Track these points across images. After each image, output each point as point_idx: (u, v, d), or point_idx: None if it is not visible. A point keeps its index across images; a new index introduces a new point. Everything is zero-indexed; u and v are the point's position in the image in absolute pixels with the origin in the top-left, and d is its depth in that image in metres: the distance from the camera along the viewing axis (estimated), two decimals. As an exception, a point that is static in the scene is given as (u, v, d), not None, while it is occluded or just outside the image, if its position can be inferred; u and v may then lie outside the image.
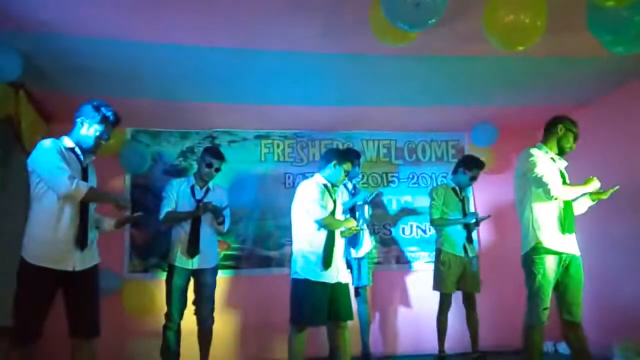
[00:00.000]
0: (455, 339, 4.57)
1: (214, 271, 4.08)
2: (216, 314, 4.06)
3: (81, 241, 2.81)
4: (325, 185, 3.57)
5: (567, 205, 3.26)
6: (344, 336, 3.48)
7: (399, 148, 5.47)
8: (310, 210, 3.44)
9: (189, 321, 4.00)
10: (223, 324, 4.40)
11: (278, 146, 5.29)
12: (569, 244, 3.24)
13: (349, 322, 3.53)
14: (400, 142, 5.47)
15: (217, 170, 4.11)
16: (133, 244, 4.87)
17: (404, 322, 5.13)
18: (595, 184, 3.23)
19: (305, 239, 3.48)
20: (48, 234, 2.74)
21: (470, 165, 4.49)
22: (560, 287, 3.24)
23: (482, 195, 5.30)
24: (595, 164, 4.32)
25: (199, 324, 4.00)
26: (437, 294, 4.43)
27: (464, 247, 4.38)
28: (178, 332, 3.94)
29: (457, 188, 4.52)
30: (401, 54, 3.49)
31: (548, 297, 3.19)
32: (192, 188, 4.08)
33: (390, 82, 4.11)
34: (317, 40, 3.32)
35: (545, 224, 3.22)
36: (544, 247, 3.19)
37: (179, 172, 4.99)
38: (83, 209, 2.84)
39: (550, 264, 3.18)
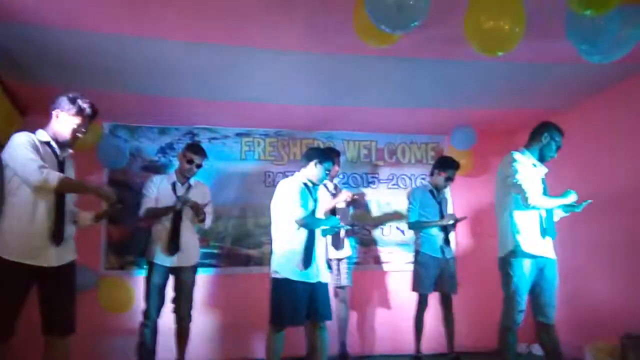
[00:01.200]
0: (432, 339, 4.62)
1: (193, 269, 4.05)
2: (194, 312, 4.04)
3: (56, 236, 2.77)
4: (305, 185, 3.57)
5: (548, 210, 3.32)
6: (322, 336, 3.49)
7: (379, 149, 5.50)
8: (289, 210, 3.43)
9: (166, 319, 3.97)
10: (201, 322, 4.37)
11: (259, 144, 5.28)
12: (546, 248, 3.30)
13: (327, 322, 3.53)
14: (381, 143, 5.50)
15: (199, 166, 4.08)
16: (110, 241, 4.80)
17: (382, 322, 5.17)
18: (572, 197, 3.29)
19: (285, 238, 3.47)
20: (22, 229, 2.69)
21: (444, 166, 4.54)
22: (536, 290, 3.29)
23: (460, 198, 5.36)
24: (571, 169, 4.42)
25: (177, 321, 3.97)
26: (414, 295, 4.47)
27: (441, 249, 4.43)
28: (155, 330, 3.90)
29: (434, 190, 4.56)
30: (384, 55, 3.50)
31: (524, 300, 3.24)
32: (174, 184, 4.05)
33: (372, 83, 4.13)
34: (301, 40, 3.32)
35: (525, 228, 3.27)
36: (522, 251, 3.24)
37: (158, 169, 4.94)
38: (59, 202, 2.79)
39: (526, 268, 3.24)
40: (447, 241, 4.47)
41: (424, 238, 4.47)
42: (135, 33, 3.23)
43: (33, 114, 4.50)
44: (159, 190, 4.02)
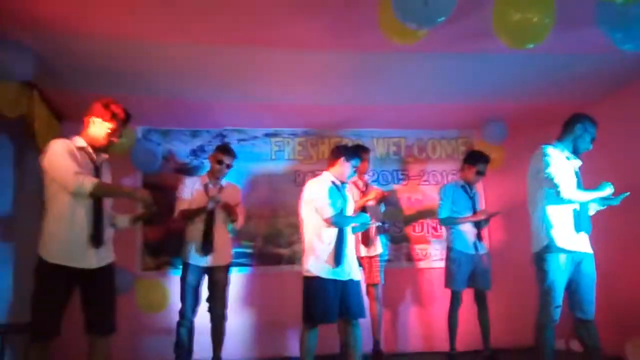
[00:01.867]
0: (467, 336, 4.57)
1: (227, 269, 4.11)
2: (228, 311, 4.09)
3: (96, 239, 2.85)
4: (333, 183, 3.58)
5: (583, 204, 3.24)
6: (355, 334, 3.49)
7: (408, 145, 5.47)
8: (319, 209, 3.45)
9: (202, 318, 4.04)
10: (235, 321, 4.43)
11: (288, 144, 5.31)
12: (582, 242, 3.23)
13: (361, 320, 3.53)
14: (410, 140, 5.47)
15: (229, 166, 4.15)
16: (145, 242, 4.91)
17: (415, 320, 5.14)
18: (608, 190, 3.21)
19: (315, 236, 3.48)
20: (63, 232, 2.79)
21: (474, 160, 4.48)
22: (572, 285, 3.23)
23: (492, 193, 5.28)
24: (608, 160, 4.30)
25: (212, 320, 4.03)
26: (447, 292, 4.43)
27: (474, 245, 4.37)
28: (191, 329, 3.98)
29: (466, 185, 4.51)
30: (410, 52, 3.48)
31: (560, 295, 3.18)
32: (206, 186, 4.12)
33: (399, 80, 4.11)
34: (326, 39, 3.33)
35: (559, 223, 3.20)
36: (556, 246, 3.18)
37: (190, 171, 5.03)
38: (97, 206, 2.88)
39: (561, 263, 3.17)
40: (479, 237, 4.41)
41: (456, 234, 4.42)
42: (165, 39, 3.30)
43: (69, 120, 4.64)
44: (192, 192, 4.10)
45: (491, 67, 3.91)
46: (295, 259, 4.97)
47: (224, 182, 4.22)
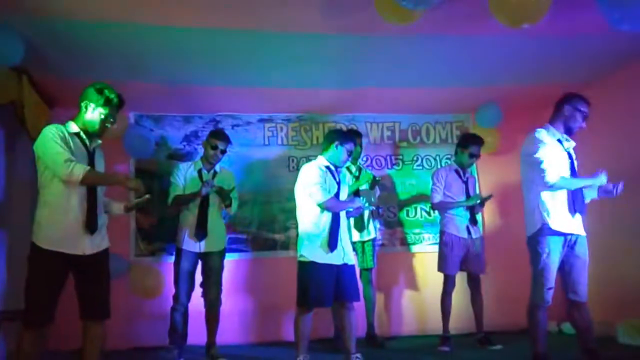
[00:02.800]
0: (461, 319, 4.61)
1: (221, 254, 4.11)
2: (223, 296, 4.10)
3: (90, 225, 2.83)
4: (328, 167, 3.57)
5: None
6: (350, 317, 3.51)
7: (402, 130, 5.45)
8: (312, 194, 3.44)
9: (196, 303, 4.05)
10: (230, 306, 4.43)
11: (281, 129, 5.29)
12: (575, 225, 3.24)
13: (356, 304, 3.55)
14: (404, 124, 5.45)
15: (223, 152, 4.14)
16: (139, 228, 4.90)
17: (409, 304, 5.17)
18: (602, 179, 3.20)
19: (310, 221, 3.48)
20: (57, 219, 2.77)
21: (466, 143, 4.46)
22: (566, 267, 3.24)
23: (487, 177, 5.29)
24: (603, 142, 4.32)
25: (207, 305, 4.04)
26: (441, 275, 4.45)
27: (467, 229, 4.39)
28: (185, 314, 3.99)
29: (459, 170, 4.50)
30: (405, 34, 3.46)
31: (553, 277, 3.20)
32: (200, 171, 4.11)
33: (393, 63, 4.09)
34: (320, 21, 3.29)
35: (552, 206, 3.21)
36: (550, 229, 3.19)
37: (183, 157, 5.01)
38: (91, 193, 2.85)
39: (555, 245, 3.19)
40: (473, 221, 4.42)
41: (449, 218, 4.42)
42: (157, 22, 3.26)
43: (59, 106, 4.60)
44: (185, 178, 4.08)
45: (486, 50, 3.90)
46: (289, 244, 4.98)
47: (217, 167, 4.20)
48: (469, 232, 4.38)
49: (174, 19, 3.25)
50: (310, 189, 3.45)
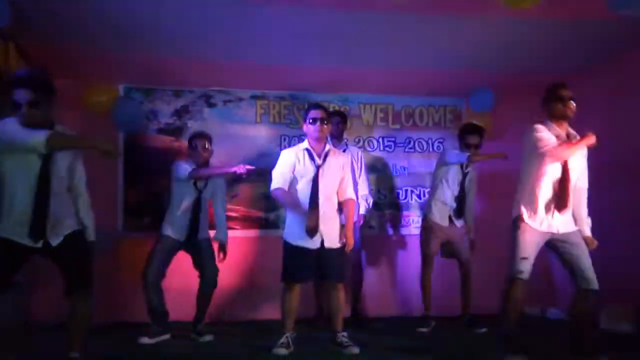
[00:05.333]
0: (449, 302, 4.61)
1: (208, 240, 4.13)
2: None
3: (34, 232, 2.76)
4: (307, 150, 3.55)
5: (563, 186, 3.21)
6: (335, 297, 3.56)
7: (396, 112, 5.42)
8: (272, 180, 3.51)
9: (187, 278, 4.06)
10: (219, 283, 4.40)
11: (274, 107, 5.22)
12: (556, 223, 3.21)
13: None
14: (398, 107, 5.41)
15: (205, 149, 4.04)
16: (127, 203, 4.85)
17: (397, 285, 5.20)
18: (590, 140, 3.16)
19: None
20: (8, 215, 2.75)
21: (462, 133, 4.50)
22: (566, 259, 3.21)
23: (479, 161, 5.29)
24: (595, 131, 4.32)
25: (202, 284, 4.03)
26: (428, 258, 4.50)
27: (450, 218, 4.42)
28: (157, 290, 3.93)
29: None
30: (401, 13, 3.41)
31: (528, 250, 3.14)
32: (196, 185, 4.03)
33: (390, 43, 4.03)
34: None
35: (540, 203, 3.20)
36: (526, 223, 3.19)
37: (173, 132, 4.96)
38: (40, 189, 2.75)
39: (532, 232, 3.18)
40: (458, 214, 4.43)
41: (434, 207, 4.47)
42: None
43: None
44: (183, 185, 4.00)
45: (482, 34, 3.87)
46: (280, 222, 4.95)
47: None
48: (452, 222, 4.40)
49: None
50: (273, 175, 3.52)
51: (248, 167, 3.84)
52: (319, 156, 3.57)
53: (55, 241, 2.82)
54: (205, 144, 4.06)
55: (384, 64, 4.47)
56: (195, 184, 4.01)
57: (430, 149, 5.36)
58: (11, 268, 2.79)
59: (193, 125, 4.98)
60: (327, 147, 3.64)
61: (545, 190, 3.21)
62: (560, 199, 3.18)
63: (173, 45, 4.01)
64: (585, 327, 3.20)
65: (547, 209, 3.20)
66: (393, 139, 5.38)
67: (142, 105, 4.91)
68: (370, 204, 4.74)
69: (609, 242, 4.38)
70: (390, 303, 5.15)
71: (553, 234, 3.20)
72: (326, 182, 3.56)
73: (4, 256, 2.74)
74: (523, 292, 3.16)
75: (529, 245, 3.16)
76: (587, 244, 3.25)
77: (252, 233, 5.04)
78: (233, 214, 4.99)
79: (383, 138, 5.37)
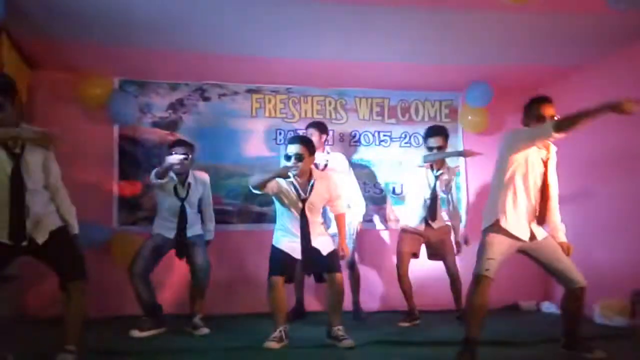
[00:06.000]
0: (442, 296, 4.60)
1: (200, 236, 4.12)
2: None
3: (15, 232, 2.76)
4: (292, 183, 3.56)
5: (543, 196, 3.13)
6: (329, 291, 3.59)
7: (392, 106, 5.41)
8: None
9: (183, 269, 4.04)
10: (214, 277, 4.39)
11: (269, 101, 5.21)
12: (530, 231, 3.12)
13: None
14: (394, 101, 5.41)
15: (185, 158, 3.92)
16: (122, 197, 4.83)
17: (392, 280, 5.19)
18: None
19: (277, 214, 3.72)
20: None
21: (424, 135, 4.50)
22: (545, 263, 3.14)
23: (475, 157, 5.28)
24: (592, 128, 4.31)
25: (193, 274, 4.04)
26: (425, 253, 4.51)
27: (425, 220, 4.40)
28: (145, 283, 3.92)
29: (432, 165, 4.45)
30: (397, 6, 3.40)
31: (495, 252, 3.04)
32: (175, 188, 3.99)
33: (385, 37, 4.03)
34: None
35: (510, 209, 3.10)
36: (501, 227, 3.09)
37: (168, 125, 4.95)
38: (14, 189, 2.75)
39: (504, 238, 3.09)
40: (432, 217, 4.39)
41: (406, 210, 4.56)
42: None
43: (41, 68, 4.47)
44: (163, 192, 4.00)
45: (481, 27, 3.86)
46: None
47: (191, 177, 4.03)
48: (428, 224, 4.40)
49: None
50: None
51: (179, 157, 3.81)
52: (305, 190, 3.57)
53: (40, 239, 2.83)
54: (184, 152, 3.95)
55: (381, 56, 4.46)
56: (176, 192, 3.97)
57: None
58: None
59: (188, 119, 4.97)
60: (313, 178, 3.61)
61: (520, 199, 3.10)
62: (540, 211, 3.11)
63: (167, 37, 3.98)
64: (578, 322, 3.19)
65: (521, 218, 3.10)
66: (389, 134, 5.37)
67: (137, 98, 4.89)
68: (362, 212, 4.70)
69: (603, 236, 4.43)
70: (388, 297, 5.13)
71: (523, 242, 3.10)
72: (314, 212, 3.62)
73: None
74: (488, 291, 3.03)
75: (497, 249, 3.06)
76: (563, 250, 3.16)
77: (247, 227, 5.02)
78: (229, 208, 4.98)
79: (379, 132, 5.36)
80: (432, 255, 4.54)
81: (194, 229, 4.08)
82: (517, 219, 3.08)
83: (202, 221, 4.18)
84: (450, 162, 4.63)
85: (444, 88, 5.34)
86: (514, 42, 4.15)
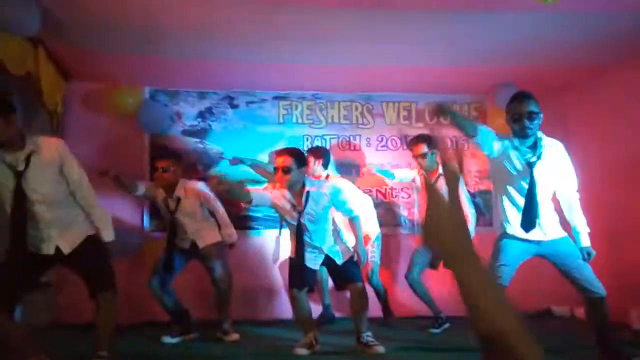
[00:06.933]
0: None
1: (215, 245, 4.08)
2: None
3: (18, 244, 2.83)
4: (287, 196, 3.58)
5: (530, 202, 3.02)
6: (353, 300, 3.61)
7: (419, 110, 5.37)
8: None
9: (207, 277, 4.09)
10: (236, 283, 4.41)
11: (296, 107, 5.23)
12: (541, 232, 3.05)
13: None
14: (421, 104, 5.36)
15: (165, 169, 3.91)
16: (153, 204, 4.89)
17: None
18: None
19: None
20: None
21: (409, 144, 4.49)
22: (564, 271, 3.05)
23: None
24: (613, 126, 4.22)
25: (215, 289, 4.06)
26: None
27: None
28: (163, 292, 3.98)
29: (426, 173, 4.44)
30: (424, 10, 3.38)
31: (505, 257, 3.02)
32: (165, 200, 4.01)
33: (411, 40, 3.99)
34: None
35: (512, 215, 3.08)
36: (508, 233, 3.08)
37: (197, 133, 5.02)
38: (16, 204, 2.81)
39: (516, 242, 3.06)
40: None
41: None
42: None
43: (75, 79, 4.59)
44: (160, 205, 4.09)
45: (506, 28, 3.79)
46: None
47: (179, 191, 3.98)
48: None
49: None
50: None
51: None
52: (300, 202, 3.53)
53: (66, 249, 2.90)
54: (167, 164, 3.94)
55: (407, 61, 4.42)
56: (167, 205, 4.00)
57: (455, 147, 5.29)
58: (23, 280, 2.90)
59: (216, 127, 5.03)
60: (307, 189, 3.53)
61: (517, 203, 3.03)
62: (524, 214, 3.01)
63: (196, 46, 4.04)
64: (607, 331, 3.06)
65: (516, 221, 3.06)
66: (417, 138, 5.33)
67: (167, 107, 4.98)
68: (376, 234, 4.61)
69: (636, 241, 4.29)
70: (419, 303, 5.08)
71: (539, 244, 3.03)
72: (317, 222, 3.56)
73: (19, 265, 2.86)
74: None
75: (509, 254, 3.03)
76: (582, 255, 3.03)
77: (274, 232, 5.04)
78: (259, 215, 5.02)
79: (406, 137, 5.33)
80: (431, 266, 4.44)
81: (205, 239, 4.05)
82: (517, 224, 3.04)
83: (219, 227, 4.16)
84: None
85: (471, 90, 5.27)
86: (542, 42, 4.05)
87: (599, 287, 2.98)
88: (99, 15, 3.45)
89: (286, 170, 3.45)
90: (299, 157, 3.53)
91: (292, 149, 3.68)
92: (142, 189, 4.05)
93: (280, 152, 3.59)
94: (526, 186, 2.98)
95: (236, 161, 4.76)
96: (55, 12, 3.35)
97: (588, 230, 3.08)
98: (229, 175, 4.86)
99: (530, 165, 2.97)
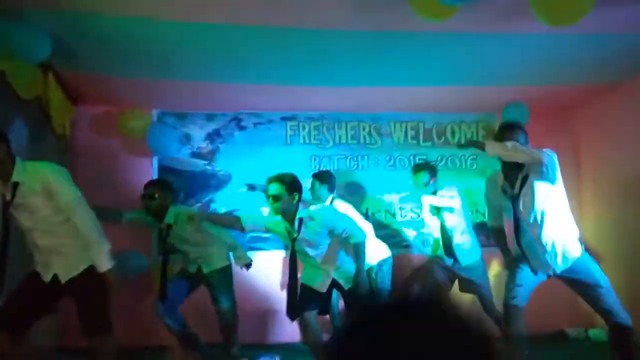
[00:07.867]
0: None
1: (222, 270, 4.01)
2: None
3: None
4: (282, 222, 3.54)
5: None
6: None
7: (427, 129, 5.36)
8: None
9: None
10: (249, 305, 4.40)
11: (304, 128, 5.23)
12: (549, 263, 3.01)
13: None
14: (429, 124, 5.36)
15: (152, 197, 3.80)
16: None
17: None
18: None
19: None
20: None
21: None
22: (584, 295, 3.01)
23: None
24: (625, 144, 4.17)
25: (219, 319, 3.99)
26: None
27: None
28: (171, 317, 3.90)
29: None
30: (433, 30, 3.38)
31: (522, 277, 3.03)
32: (160, 232, 3.98)
33: (420, 61, 4.00)
34: (348, 17, 3.22)
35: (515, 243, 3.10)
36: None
37: (206, 155, 5.02)
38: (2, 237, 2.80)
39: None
40: (446, 251, 4.31)
41: None
42: (183, 19, 3.22)
43: (84, 103, 4.62)
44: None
45: (514, 49, 3.79)
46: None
47: (171, 218, 3.85)
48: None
49: (199, 16, 3.21)
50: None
51: None
52: (294, 229, 3.47)
53: (63, 277, 2.83)
54: (155, 193, 3.84)
55: (415, 81, 4.43)
56: (160, 231, 3.96)
57: (463, 166, 5.27)
58: (32, 301, 2.87)
59: (224, 149, 5.04)
60: (298, 216, 3.46)
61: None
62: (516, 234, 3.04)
63: (205, 69, 4.06)
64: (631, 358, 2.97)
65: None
66: (425, 157, 5.31)
67: (176, 130, 4.99)
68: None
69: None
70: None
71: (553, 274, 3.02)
72: (315, 247, 3.49)
73: (28, 286, 2.89)
74: (520, 319, 2.97)
75: (525, 275, 3.03)
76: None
77: (280, 254, 5.01)
78: (267, 235, 4.98)
79: (414, 156, 5.31)
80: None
81: (210, 264, 3.98)
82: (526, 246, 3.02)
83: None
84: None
85: (479, 109, 5.27)
86: (551, 62, 4.04)
87: (620, 314, 2.90)
88: (106, 41, 3.48)
89: (276, 198, 3.39)
90: (290, 184, 3.42)
91: (284, 176, 3.50)
92: (127, 216, 3.95)
93: (271, 179, 3.46)
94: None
95: (252, 188, 4.75)
96: (64, 38, 3.38)
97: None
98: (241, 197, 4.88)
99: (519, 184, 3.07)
